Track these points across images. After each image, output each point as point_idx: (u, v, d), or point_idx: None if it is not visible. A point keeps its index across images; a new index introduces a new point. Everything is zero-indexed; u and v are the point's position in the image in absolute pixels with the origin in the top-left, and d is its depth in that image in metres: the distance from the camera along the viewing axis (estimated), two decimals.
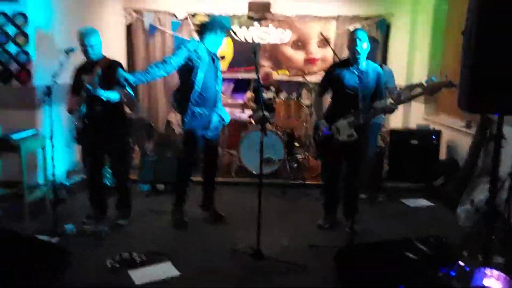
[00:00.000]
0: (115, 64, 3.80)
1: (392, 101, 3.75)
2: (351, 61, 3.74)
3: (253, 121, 6.21)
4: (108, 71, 3.73)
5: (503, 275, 2.70)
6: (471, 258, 3.09)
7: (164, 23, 7.40)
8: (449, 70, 5.76)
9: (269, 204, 3.46)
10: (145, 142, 6.58)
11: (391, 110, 3.71)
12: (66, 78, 3.87)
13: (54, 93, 3.52)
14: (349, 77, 3.71)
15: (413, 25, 6.68)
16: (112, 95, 3.69)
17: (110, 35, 6.37)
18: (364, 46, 3.66)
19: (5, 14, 4.36)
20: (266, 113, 3.76)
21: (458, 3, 5.69)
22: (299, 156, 6.05)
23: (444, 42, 6.09)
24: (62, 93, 4.15)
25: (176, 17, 7.39)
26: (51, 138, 3.33)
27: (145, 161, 5.19)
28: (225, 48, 7.40)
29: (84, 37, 3.66)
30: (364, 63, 3.73)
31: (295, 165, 5.84)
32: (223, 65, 7.17)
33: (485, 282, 2.71)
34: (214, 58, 3.96)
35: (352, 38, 3.69)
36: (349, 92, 3.71)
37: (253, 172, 5.56)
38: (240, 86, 7.55)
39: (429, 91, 3.49)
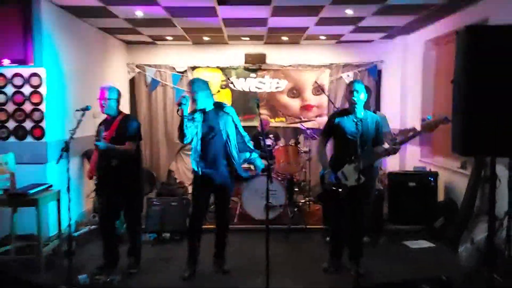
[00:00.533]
0: (130, 119, 4.03)
1: (394, 144, 3.90)
2: (350, 110, 3.96)
3: (252, 168, 6.37)
4: (124, 126, 3.95)
5: None
6: None
7: (165, 76, 7.73)
8: (441, 112, 6.02)
9: (273, 248, 3.54)
10: (148, 191, 6.70)
11: (395, 150, 3.87)
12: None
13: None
14: (350, 125, 3.91)
15: (404, 71, 7.01)
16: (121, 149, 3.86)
17: None
18: (361, 97, 3.88)
19: (22, 76, 4.64)
20: (270, 161, 3.87)
21: (446, 48, 6.04)
22: (300, 201, 6.17)
23: (434, 86, 6.39)
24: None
25: (176, 70, 7.73)
26: (68, 190, 3.46)
27: (150, 211, 5.29)
28: (224, 98, 7.68)
29: (106, 91, 3.90)
30: (362, 113, 3.94)
31: (296, 210, 5.95)
32: None
33: None
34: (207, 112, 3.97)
35: (350, 90, 3.90)
36: (351, 139, 3.89)
37: (255, 218, 5.66)
38: None
39: (427, 129, 3.68)
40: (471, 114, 2.65)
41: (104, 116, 4.04)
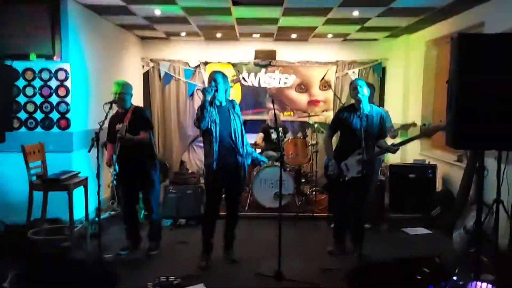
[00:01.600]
0: (142, 110, 4.36)
1: (393, 145, 4.22)
2: (356, 106, 4.29)
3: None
4: (137, 117, 4.28)
5: (491, 286, 3.16)
6: (464, 275, 3.51)
7: (178, 71, 8.06)
8: (441, 109, 6.33)
9: (282, 234, 3.91)
10: (161, 181, 7.06)
11: (394, 151, 4.21)
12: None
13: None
14: (356, 120, 4.23)
15: (406, 69, 7.33)
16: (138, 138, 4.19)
17: (129, 81, 6.98)
18: (365, 91, 4.20)
19: (49, 70, 5.02)
20: (282, 152, 4.16)
21: (446, 48, 6.33)
22: (307, 191, 6.53)
23: (435, 84, 6.71)
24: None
25: (189, 65, 8.06)
26: (98, 177, 3.82)
27: (167, 198, 5.65)
28: (234, 93, 8.02)
29: (123, 87, 4.24)
30: (368, 107, 4.26)
31: (303, 199, 6.30)
32: None
33: None
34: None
35: (354, 87, 4.22)
36: (356, 133, 4.22)
37: (265, 206, 6.02)
38: (248, 127, 8.09)
39: (427, 134, 3.99)
40: (462, 112, 3.01)
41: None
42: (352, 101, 4.35)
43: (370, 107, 4.28)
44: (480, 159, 3.18)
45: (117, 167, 4.29)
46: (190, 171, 7.92)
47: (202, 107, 3.93)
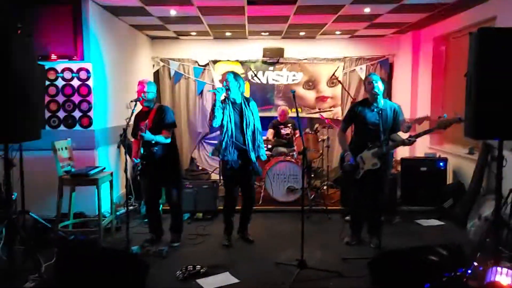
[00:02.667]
0: (165, 109, 4.49)
1: (410, 137, 4.35)
2: (371, 100, 4.41)
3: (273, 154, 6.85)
4: (160, 116, 4.41)
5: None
6: (484, 261, 3.65)
7: (188, 70, 8.19)
8: (451, 104, 6.49)
9: (297, 226, 4.05)
10: None
11: (410, 143, 4.34)
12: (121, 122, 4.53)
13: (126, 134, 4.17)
14: (370, 115, 4.37)
15: (414, 64, 7.45)
16: (160, 138, 4.32)
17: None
18: (380, 86, 4.34)
19: (71, 70, 5.15)
20: (291, 148, 4.33)
21: (455, 43, 6.49)
22: (318, 185, 6.67)
23: (444, 79, 6.85)
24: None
25: (198, 64, 8.19)
26: (126, 172, 3.95)
27: (184, 193, 5.77)
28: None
29: (146, 85, 4.37)
30: (382, 101, 4.39)
31: (316, 193, 6.42)
32: None
33: (497, 278, 3.30)
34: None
35: (369, 82, 4.35)
36: (370, 127, 4.36)
37: (278, 200, 6.17)
38: None
39: (442, 127, 4.11)
40: (482, 103, 3.15)
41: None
42: (361, 96, 4.48)
43: (384, 102, 4.41)
44: (499, 149, 3.31)
45: (139, 161, 4.39)
46: (200, 168, 8.09)
47: (213, 107, 4.28)
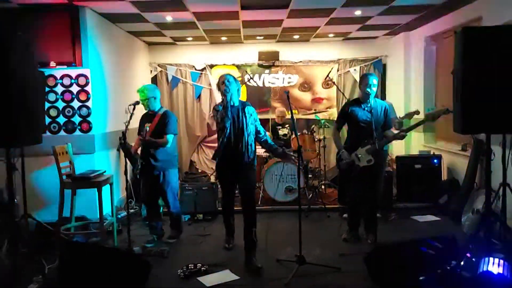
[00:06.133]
0: (168, 116, 4.65)
1: (401, 131, 4.47)
2: (362, 100, 4.53)
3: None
4: (163, 121, 4.59)
5: (503, 261, 3.39)
6: (476, 252, 3.74)
7: (185, 74, 8.31)
8: (443, 101, 6.61)
9: (295, 225, 4.13)
10: None
11: (402, 137, 4.46)
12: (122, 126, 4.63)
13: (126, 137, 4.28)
14: (362, 113, 4.49)
15: (407, 64, 7.59)
16: (159, 142, 4.50)
17: (139, 85, 7.22)
18: (374, 89, 4.45)
19: (70, 76, 5.26)
20: (288, 149, 4.33)
21: (445, 43, 6.62)
22: (316, 185, 6.77)
23: (436, 77, 6.98)
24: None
25: (195, 68, 8.31)
26: (126, 174, 4.05)
27: (184, 195, 5.88)
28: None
29: (147, 91, 4.51)
30: (373, 101, 4.51)
31: (314, 192, 6.51)
32: None
33: (489, 268, 3.40)
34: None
35: (366, 82, 4.44)
36: (363, 125, 4.47)
37: (276, 200, 6.26)
38: None
39: (431, 118, 4.25)
40: (467, 99, 3.26)
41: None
42: (355, 95, 4.59)
43: (374, 101, 4.53)
44: (487, 143, 3.42)
45: (139, 161, 4.58)
46: (200, 171, 8.19)
47: (225, 108, 4.19)
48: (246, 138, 4.27)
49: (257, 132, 4.40)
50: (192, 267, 3.88)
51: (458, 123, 3.38)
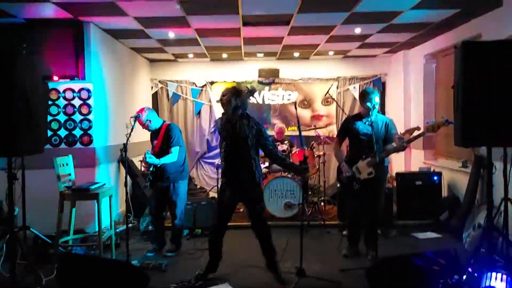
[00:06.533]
0: (171, 129, 4.75)
1: (402, 142, 4.48)
2: (363, 115, 4.57)
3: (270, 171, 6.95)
4: (167, 135, 4.70)
5: (506, 276, 3.36)
6: (478, 268, 3.71)
7: (185, 91, 8.37)
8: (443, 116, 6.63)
9: (295, 240, 4.11)
10: None
11: (402, 148, 4.48)
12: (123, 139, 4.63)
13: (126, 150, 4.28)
14: (363, 126, 4.52)
15: (406, 82, 7.66)
16: (164, 160, 4.57)
17: (140, 101, 7.34)
18: (376, 106, 4.49)
19: (73, 90, 5.31)
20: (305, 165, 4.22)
21: (444, 60, 6.68)
22: (315, 200, 6.75)
23: (435, 94, 7.03)
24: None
25: (195, 85, 8.37)
26: (126, 185, 4.05)
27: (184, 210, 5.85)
28: None
29: (143, 115, 4.66)
30: (374, 116, 4.54)
31: (313, 208, 6.48)
32: None
33: (492, 283, 3.37)
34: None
35: (369, 98, 4.46)
36: (363, 138, 4.50)
37: (276, 216, 6.22)
38: None
39: (430, 130, 4.27)
40: (467, 112, 3.28)
41: None
42: (355, 111, 4.62)
43: (375, 116, 4.56)
44: (488, 156, 3.43)
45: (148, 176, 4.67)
46: (199, 187, 8.17)
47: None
48: (252, 153, 4.01)
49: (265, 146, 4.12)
50: (186, 282, 3.87)
51: (458, 136, 3.39)
